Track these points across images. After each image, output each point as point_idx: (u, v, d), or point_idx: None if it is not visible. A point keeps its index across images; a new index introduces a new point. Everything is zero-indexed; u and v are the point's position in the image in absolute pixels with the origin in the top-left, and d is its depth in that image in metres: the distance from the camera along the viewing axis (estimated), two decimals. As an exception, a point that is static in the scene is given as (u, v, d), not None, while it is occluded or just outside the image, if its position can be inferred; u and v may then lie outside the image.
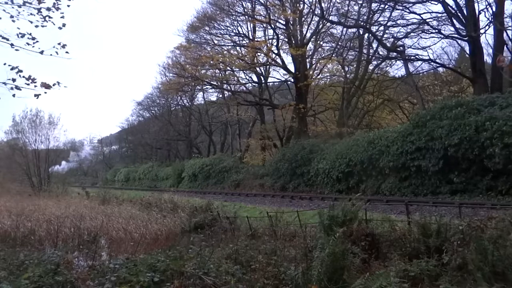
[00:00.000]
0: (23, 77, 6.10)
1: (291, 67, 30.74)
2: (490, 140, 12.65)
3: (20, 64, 6.10)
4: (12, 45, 6.18)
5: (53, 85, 6.35)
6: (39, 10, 6.49)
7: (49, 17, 6.56)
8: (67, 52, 6.48)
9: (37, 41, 6.39)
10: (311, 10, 29.05)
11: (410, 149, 15.33)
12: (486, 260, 4.89)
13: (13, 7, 6.34)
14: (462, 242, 5.55)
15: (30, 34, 6.35)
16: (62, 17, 6.66)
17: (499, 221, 5.79)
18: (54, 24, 6.60)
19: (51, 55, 6.35)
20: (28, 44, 6.27)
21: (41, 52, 6.33)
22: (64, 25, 6.68)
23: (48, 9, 6.50)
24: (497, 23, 17.87)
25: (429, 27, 21.13)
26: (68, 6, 6.73)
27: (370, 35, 25.49)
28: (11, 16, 6.37)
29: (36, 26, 6.47)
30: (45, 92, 6.27)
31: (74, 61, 6.72)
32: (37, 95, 6.25)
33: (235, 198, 23.50)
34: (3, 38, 6.15)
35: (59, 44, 6.48)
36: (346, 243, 5.39)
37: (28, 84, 6.13)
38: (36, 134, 38.39)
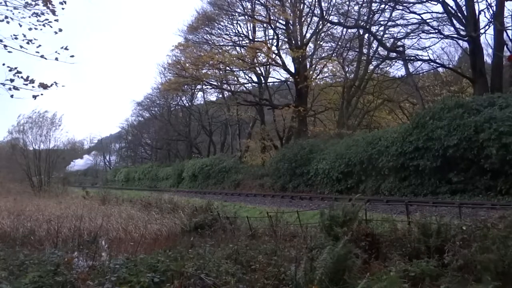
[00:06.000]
0: (21, 77, 6.07)
1: (291, 67, 30.78)
2: (488, 140, 12.66)
3: (19, 63, 6.08)
4: (5, 46, 6.16)
5: (51, 85, 6.31)
6: (37, 14, 6.45)
7: (48, 21, 6.53)
8: (72, 56, 6.41)
9: (39, 46, 6.35)
10: (311, 11, 29.08)
11: (409, 149, 15.33)
12: (492, 260, 4.88)
13: (8, 9, 6.31)
14: (464, 243, 5.53)
15: (25, 35, 6.30)
16: (57, 20, 6.63)
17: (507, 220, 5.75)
18: (51, 27, 6.57)
19: (56, 58, 6.30)
20: (21, 46, 6.21)
21: (42, 56, 6.30)
22: (60, 30, 6.65)
23: (42, 14, 6.45)
24: (497, 23, 17.86)
25: (429, 27, 21.13)
26: (63, 9, 6.67)
27: (370, 35, 25.49)
28: (6, 17, 6.33)
29: (30, 29, 6.40)
30: (42, 94, 6.23)
31: (75, 61, 6.64)
32: (35, 96, 6.22)
33: (235, 198, 23.50)
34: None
35: (62, 47, 6.42)
36: (350, 245, 5.38)
37: (26, 85, 6.10)
38: (38, 134, 38.47)
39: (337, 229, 7.09)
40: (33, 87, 6.09)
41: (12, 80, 5.99)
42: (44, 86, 6.18)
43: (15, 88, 6.02)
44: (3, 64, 6.10)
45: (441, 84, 29.23)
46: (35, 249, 9.47)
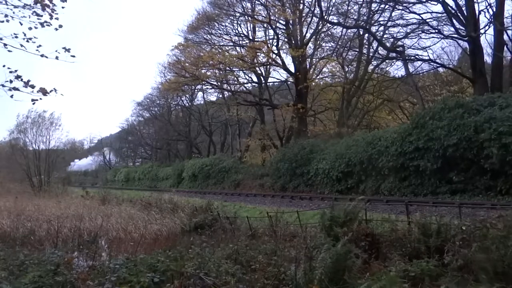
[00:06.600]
0: (22, 80, 6.06)
1: (291, 67, 30.78)
2: (488, 141, 12.67)
3: (20, 61, 6.06)
4: (5, 45, 6.14)
5: (50, 91, 6.29)
6: (37, 14, 6.43)
7: (47, 22, 6.51)
8: (72, 56, 6.39)
9: (40, 46, 6.33)
10: (310, 11, 29.08)
11: (409, 149, 15.33)
12: (490, 260, 4.88)
13: (8, 8, 6.28)
14: (464, 243, 5.52)
15: (25, 34, 6.27)
16: (57, 18, 6.61)
17: (506, 220, 5.75)
18: (51, 25, 6.55)
19: (56, 57, 6.27)
20: (22, 45, 6.19)
21: (43, 55, 6.28)
22: (60, 26, 6.64)
23: (39, 15, 6.43)
24: (497, 23, 17.87)
25: (429, 27, 21.12)
26: (63, 8, 6.66)
27: (370, 35, 25.48)
28: (6, 16, 6.31)
29: (30, 29, 6.38)
30: (41, 99, 6.22)
31: (75, 60, 6.63)
32: (34, 100, 6.21)
33: (235, 198, 23.50)
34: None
35: (63, 48, 6.40)
36: (350, 245, 5.38)
37: (25, 87, 6.09)
38: (37, 134, 38.51)
39: (337, 229, 7.10)
40: (32, 92, 6.08)
41: (11, 81, 5.98)
42: (44, 91, 6.16)
43: (15, 89, 6.01)
44: (4, 66, 6.09)
45: (441, 84, 29.22)
46: (35, 249, 9.47)
